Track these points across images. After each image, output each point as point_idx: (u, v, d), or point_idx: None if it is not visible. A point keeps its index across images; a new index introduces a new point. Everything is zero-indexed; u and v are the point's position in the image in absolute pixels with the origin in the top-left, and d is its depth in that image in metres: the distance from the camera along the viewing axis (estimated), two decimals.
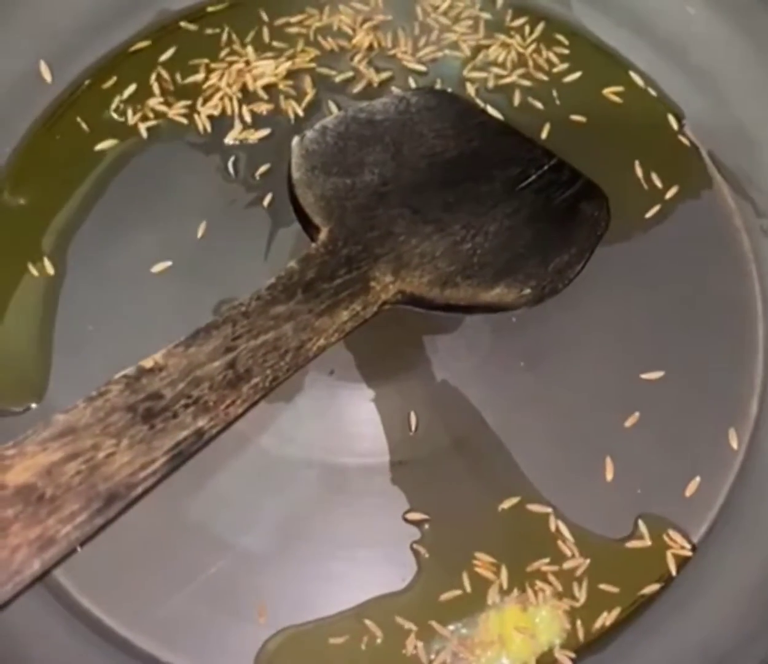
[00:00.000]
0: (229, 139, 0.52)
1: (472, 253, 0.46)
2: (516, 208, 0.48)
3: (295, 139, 0.48)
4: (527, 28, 0.56)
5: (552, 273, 0.47)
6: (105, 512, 0.35)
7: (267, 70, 0.54)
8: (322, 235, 0.45)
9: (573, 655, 0.42)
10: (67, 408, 0.36)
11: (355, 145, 0.48)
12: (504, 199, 0.48)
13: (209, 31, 0.55)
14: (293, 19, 0.56)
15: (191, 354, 0.39)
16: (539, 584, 0.43)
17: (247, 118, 0.52)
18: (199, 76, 0.54)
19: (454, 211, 0.47)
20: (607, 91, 0.54)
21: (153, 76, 0.54)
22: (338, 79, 0.54)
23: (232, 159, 0.51)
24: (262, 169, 0.51)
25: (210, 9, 0.56)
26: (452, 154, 0.49)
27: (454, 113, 0.51)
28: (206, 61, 0.54)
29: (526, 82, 0.54)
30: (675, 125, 0.54)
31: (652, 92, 0.54)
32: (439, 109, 0.51)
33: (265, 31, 0.55)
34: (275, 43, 0.55)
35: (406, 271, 0.45)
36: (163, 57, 0.54)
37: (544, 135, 0.53)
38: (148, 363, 0.38)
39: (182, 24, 0.56)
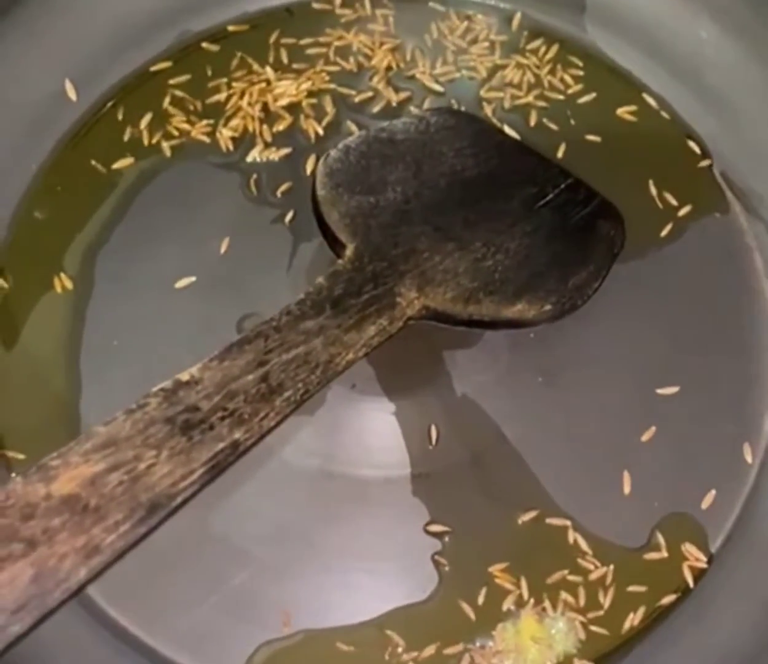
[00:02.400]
0: (251, 158, 0.53)
1: (494, 269, 0.47)
2: (534, 226, 0.49)
3: (320, 159, 0.49)
4: (542, 50, 0.57)
5: (571, 290, 0.48)
6: (147, 522, 0.36)
7: (288, 90, 0.55)
8: (348, 251, 0.46)
9: None
10: (108, 420, 0.37)
11: (377, 164, 0.49)
12: (522, 217, 0.49)
13: (230, 51, 0.56)
14: (312, 40, 0.57)
15: (225, 367, 0.40)
16: (558, 594, 0.44)
17: (268, 137, 0.53)
18: (221, 96, 0.55)
19: (474, 229, 0.48)
20: (621, 112, 0.55)
21: (176, 96, 0.55)
22: (357, 99, 0.55)
23: (254, 177, 0.52)
24: (284, 186, 0.52)
25: (231, 29, 0.57)
26: (471, 172, 0.50)
27: (473, 133, 0.52)
28: (227, 80, 0.55)
29: (542, 103, 0.55)
30: (688, 145, 0.54)
31: (666, 114, 0.55)
32: (457, 129, 0.52)
33: (284, 52, 0.56)
34: (295, 65, 0.56)
35: (430, 287, 0.45)
36: (185, 77, 0.55)
37: (559, 154, 0.53)
38: (184, 376, 0.39)
39: (204, 45, 0.57)
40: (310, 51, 0.57)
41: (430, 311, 0.45)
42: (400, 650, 0.43)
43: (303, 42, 0.57)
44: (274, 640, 0.43)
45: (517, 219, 0.49)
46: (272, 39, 0.57)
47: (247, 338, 0.41)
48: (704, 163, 0.54)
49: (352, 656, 0.43)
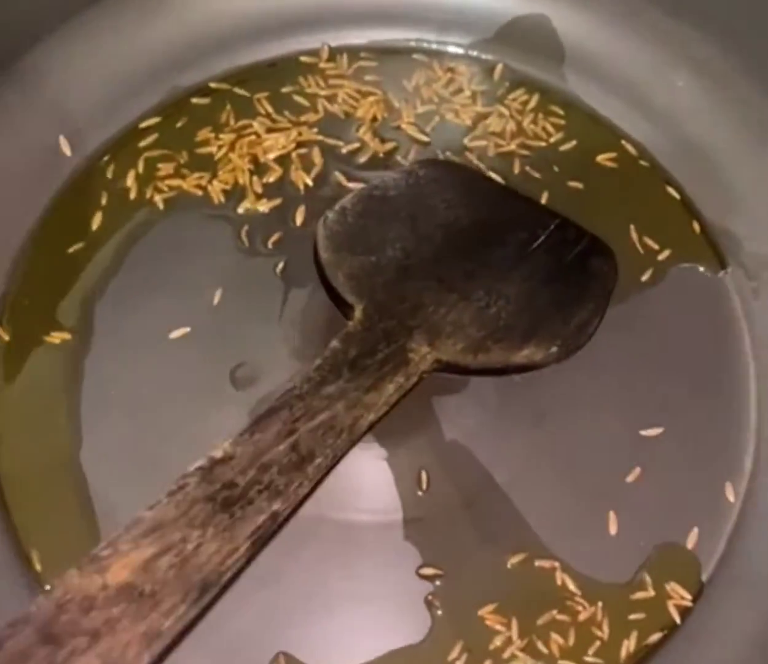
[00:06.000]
0: (241, 209, 0.54)
1: (498, 317, 0.48)
2: (531, 270, 0.50)
3: (319, 222, 0.50)
4: (524, 99, 0.59)
5: (574, 329, 0.49)
6: (200, 602, 0.37)
7: (277, 142, 0.56)
8: (357, 312, 0.47)
9: None
10: (151, 505, 0.38)
11: (374, 223, 0.51)
12: (519, 261, 0.51)
13: (219, 105, 0.58)
14: (299, 93, 0.58)
15: (256, 441, 0.40)
16: (548, 635, 0.45)
17: (259, 189, 0.54)
18: (212, 149, 0.56)
19: (474, 278, 0.49)
20: (602, 158, 0.57)
21: (167, 150, 0.56)
22: (345, 149, 0.56)
23: (245, 228, 0.53)
24: (275, 237, 0.53)
25: (217, 85, 0.59)
26: (464, 222, 0.52)
27: (461, 182, 0.54)
28: (217, 134, 0.56)
29: (525, 151, 0.57)
30: (667, 190, 0.56)
31: (644, 161, 0.57)
32: (446, 180, 0.53)
33: (271, 105, 0.58)
34: (282, 117, 0.57)
35: (440, 340, 0.47)
36: (176, 131, 0.57)
37: (543, 201, 0.55)
38: (218, 453, 0.40)
39: (193, 100, 0.58)
40: (297, 103, 0.58)
41: (442, 364, 0.46)
42: None
43: (290, 95, 0.58)
44: None
45: (514, 264, 0.50)
46: (260, 92, 0.58)
47: (273, 408, 0.42)
48: (683, 208, 0.56)
49: None
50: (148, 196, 0.54)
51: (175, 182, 0.55)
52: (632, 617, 0.45)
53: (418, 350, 0.46)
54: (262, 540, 0.39)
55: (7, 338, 0.50)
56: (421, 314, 0.47)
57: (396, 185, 0.52)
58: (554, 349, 0.48)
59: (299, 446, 0.41)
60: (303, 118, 0.57)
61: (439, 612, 0.45)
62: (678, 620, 0.45)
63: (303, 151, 0.56)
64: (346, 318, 0.47)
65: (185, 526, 0.37)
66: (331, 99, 0.58)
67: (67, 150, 0.55)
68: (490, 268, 0.50)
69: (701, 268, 0.54)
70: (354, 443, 0.43)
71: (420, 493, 0.47)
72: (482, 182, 0.55)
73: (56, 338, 0.50)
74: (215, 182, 0.55)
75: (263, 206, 0.54)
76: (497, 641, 0.44)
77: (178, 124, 0.57)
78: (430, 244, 0.50)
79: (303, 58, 0.60)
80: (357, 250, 0.49)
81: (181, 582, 0.36)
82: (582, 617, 0.45)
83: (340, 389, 0.43)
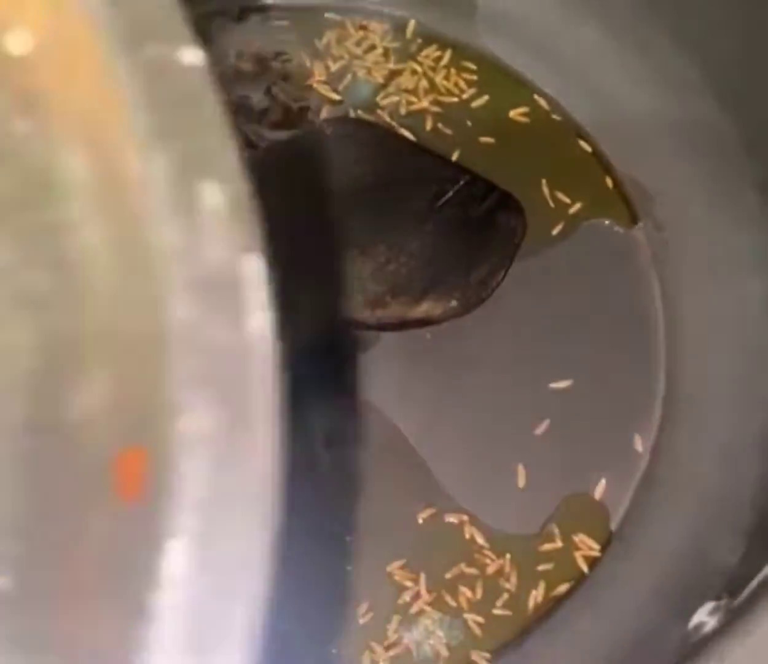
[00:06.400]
0: None
1: (398, 273, 0.49)
2: (436, 226, 0.50)
3: None
4: (436, 55, 0.58)
5: (475, 284, 0.49)
6: None
7: None
8: None
9: (488, 656, 0.44)
10: None
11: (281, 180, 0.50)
12: (424, 218, 0.51)
13: None
14: (208, 47, 0.57)
15: None
16: (457, 589, 0.45)
17: None
18: None
19: (377, 235, 0.50)
20: (514, 114, 0.56)
21: None
22: (256, 109, 0.56)
23: None
24: None
25: None
26: (371, 179, 0.51)
27: (371, 139, 0.54)
28: None
29: (437, 108, 0.56)
30: (579, 144, 0.56)
31: (556, 115, 0.57)
32: (355, 137, 0.53)
33: None
34: None
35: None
36: None
37: (455, 157, 0.54)
38: None
39: None
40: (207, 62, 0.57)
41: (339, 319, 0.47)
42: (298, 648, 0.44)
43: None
44: None
45: (419, 220, 0.50)
46: None
47: None
48: (595, 162, 0.55)
49: None
50: None
51: None
52: (540, 568, 0.46)
53: None
54: None
55: None
56: (315, 267, 0.47)
57: (304, 143, 0.53)
58: (453, 303, 0.48)
59: None
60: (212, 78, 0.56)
61: (348, 569, 0.45)
62: (586, 569, 0.46)
63: None
64: None
65: None
66: (240, 57, 0.57)
67: None
68: (394, 224, 0.50)
69: (612, 221, 0.54)
70: None
71: (326, 451, 0.47)
72: (392, 139, 0.55)
73: None
74: None
75: None
76: (405, 597, 0.45)
77: None
78: (336, 201, 0.50)
79: (214, 18, 0.59)
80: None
81: None
82: (490, 569, 0.45)
83: None
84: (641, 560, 0.46)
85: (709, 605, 0.40)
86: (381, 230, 0.50)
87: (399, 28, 0.59)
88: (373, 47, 0.58)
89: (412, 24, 0.59)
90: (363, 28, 0.59)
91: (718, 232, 0.53)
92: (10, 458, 0.23)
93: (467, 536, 0.46)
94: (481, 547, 0.46)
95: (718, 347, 0.50)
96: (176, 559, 0.20)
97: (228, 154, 0.22)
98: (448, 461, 0.47)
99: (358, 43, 0.58)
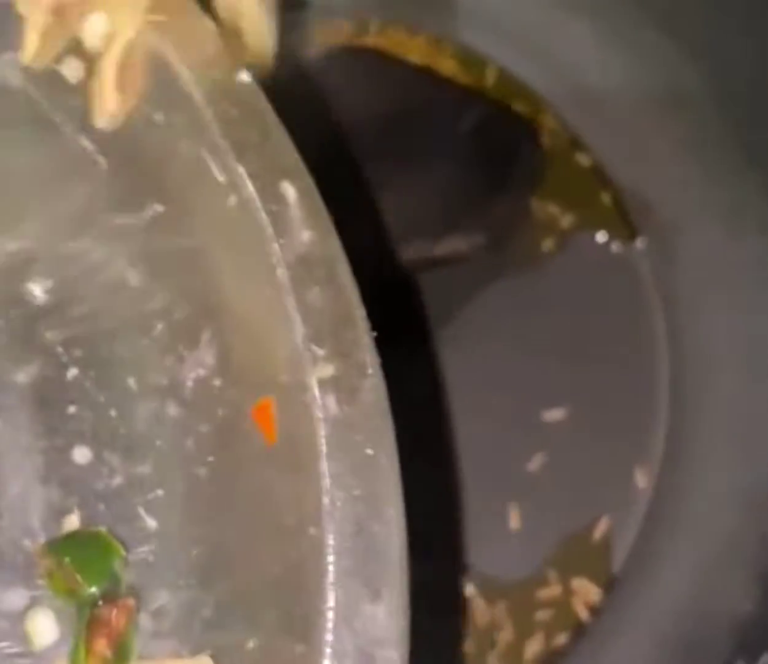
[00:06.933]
0: None
1: (419, 207, 0.47)
2: (453, 155, 0.48)
3: None
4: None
5: (500, 217, 0.47)
6: None
7: None
8: None
9: None
10: None
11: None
12: (440, 147, 0.48)
13: None
14: None
15: None
16: None
17: None
18: None
19: (393, 168, 0.47)
20: None
21: None
22: None
23: None
24: None
25: None
26: (382, 108, 0.49)
27: (374, 69, 0.51)
28: None
29: None
30: (573, 154, 0.52)
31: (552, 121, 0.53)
32: (360, 68, 0.51)
33: None
34: None
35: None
36: None
37: None
38: None
39: None
40: None
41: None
42: None
43: None
44: None
45: (436, 151, 0.48)
46: None
47: None
48: (587, 169, 0.52)
49: None
50: None
51: None
52: (537, 617, 0.42)
53: None
54: None
55: None
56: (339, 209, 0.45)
57: (308, 76, 0.50)
58: (480, 238, 0.46)
59: None
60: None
61: None
62: (585, 617, 0.42)
63: None
64: None
65: None
66: None
67: None
68: (411, 156, 0.48)
69: (608, 234, 0.50)
70: None
71: None
72: (399, 67, 0.52)
73: None
74: None
75: None
76: None
77: None
78: (347, 136, 0.47)
79: None
80: None
81: None
82: (482, 621, 0.42)
83: None
84: (646, 605, 0.43)
85: None
86: (397, 164, 0.47)
87: None
88: None
89: None
90: None
91: (719, 244, 0.49)
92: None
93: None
94: (473, 595, 0.42)
95: (724, 368, 0.46)
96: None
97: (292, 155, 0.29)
98: (432, 498, 0.44)
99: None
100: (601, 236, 0.50)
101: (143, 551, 0.27)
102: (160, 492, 0.27)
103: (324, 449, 0.25)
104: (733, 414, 0.46)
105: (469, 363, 0.46)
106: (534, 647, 0.42)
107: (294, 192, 0.28)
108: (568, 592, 0.43)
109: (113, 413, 0.28)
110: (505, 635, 0.42)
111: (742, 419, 0.45)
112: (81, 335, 0.29)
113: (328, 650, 0.24)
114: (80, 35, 0.29)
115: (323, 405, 0.25)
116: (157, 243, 0.29)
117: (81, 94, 0.29)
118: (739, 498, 0.44)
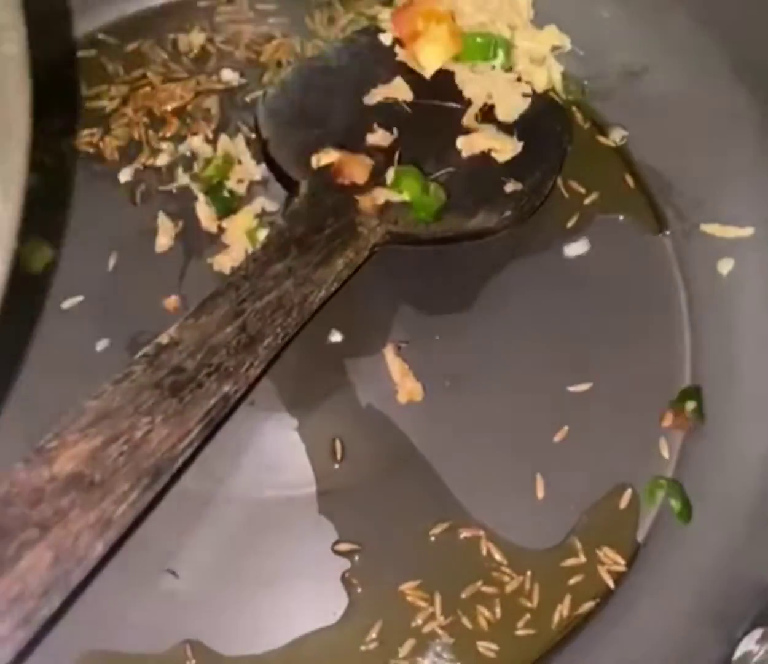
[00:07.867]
0: (138, 165, 0.50)
1: (449, 183, 0.47)
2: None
3: (259, 100, 0.49)
4: None
5: (528, 192, 0.48)
6: (153, 487, 0.36)
7: (174, 93, 0.52)
8: (303, 188, 0.45)
9: None
10: (96, 394, 0.37)
11: (316, 96, 0.49)
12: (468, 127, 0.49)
13: (107, 58, 0.54)
14: (198, 39, 0.54)
15: (203, 324, 0.40)
16: (474, 609, 0.42)
17: (155, 143, 0.51)
18: (104, 103, 0.52)
19: (423, 146, 0.48)
20: None
21: (56, 105, 0.51)
22: (248, 98, 0.52)
23: (141, 187, 0.49)
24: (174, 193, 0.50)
25: (101, 37, 0.54)
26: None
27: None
28: (109, 87, 0.52)
29: None
30: (596, 134, 0.53)
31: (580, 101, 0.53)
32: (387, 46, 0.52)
33: (166, 54, 0.54)
34: (178, 66, 0.53)
35: (390, 211, 0.45)
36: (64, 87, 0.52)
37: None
38: (164, 339, 0.39)
39: (80, 53, 0.54)
40: (195, 51, 0.54)
41: (393, 236, 0.45)
42: None
43: (186, 42, 0.54)
44: None
45: (463, 127, 0.49)
46: (152, 40, 0.54)
47: (218, 290, 0.41)
48: (610, 147, 0.52)
49: None
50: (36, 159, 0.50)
51: (65, 139, 0.51)
52: (563, 584, 0.43)
53: (367, 223, 0.44)
54: (213, 423, 0.39)
55: None
56: (368, 186, 0.46)
57: (337, 55, 0.51)
58: (508, 212, 0.47)
59: (247, 326, 0.40)
60: (202, 67, 0.53)
61: (358, 590, 0.42)
62: (612, 585, 0.43)
63: (201, 101, 0.52)
64: (293, 195, 0.46)
65: (133, 413, 0.37)
66: (231, 43, 0.54)
67: None
68: (438, 134, 0.49)
69: (630, 212, 0.50)
70: (305, 321, 0.42)
71: (335, 464, 0.44)
72: None
73: None
74: (108, 138, 0.51)
75: (160, 161, 0.50)
76: (419, 619, 0.42)
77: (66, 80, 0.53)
78: (373, 114, 0.49)
79: (200, 3, 0.55)
80: (300, 124, 0.48)
81: (132, 469, 0.36)
82: (509, 587, 0.42)
83: (288, 267, 0.42)
84: (672, 574, 0.43)
85: (758, 633, 0.37)
86: (426, 142, 0.48)
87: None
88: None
89: None
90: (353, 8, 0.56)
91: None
92: None
93: (484, 552, 0.43)
94: (500, 564, 0.43)
95: (747, 341, 0.47)
96: None
97: None
98: (461, 472, 0.44)
99: (349, 24, 0.55)
100: (625, 216, 0.50)
101: None
102: None
103: None
104: (756, 385, 0.46)
105: (495, 336, 0.47)
106: (561, 613, 0.42)
107: None
108: (593, 561, 0.43)
109: None
110: (533, 602, 0.42)
111: (766, 390, 0.46)
112: None
113: None
114: None
115: None
116: None
117: None
118: (763, 466, 0.45)
